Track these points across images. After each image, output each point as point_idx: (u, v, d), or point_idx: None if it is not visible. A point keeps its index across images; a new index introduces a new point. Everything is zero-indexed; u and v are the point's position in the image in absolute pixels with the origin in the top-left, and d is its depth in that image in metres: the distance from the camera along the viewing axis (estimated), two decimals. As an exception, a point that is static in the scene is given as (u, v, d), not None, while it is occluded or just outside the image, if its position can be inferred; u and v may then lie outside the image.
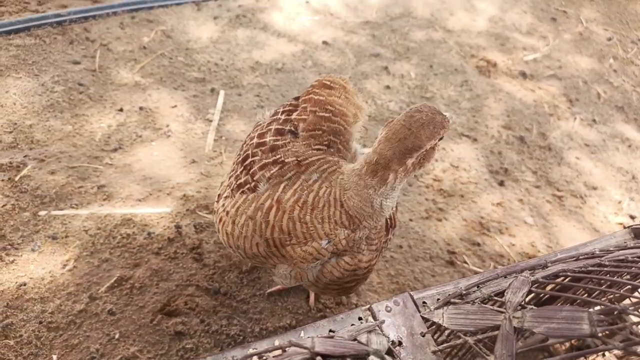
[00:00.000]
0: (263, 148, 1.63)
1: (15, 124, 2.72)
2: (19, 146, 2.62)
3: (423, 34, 4.21)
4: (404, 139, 1.36)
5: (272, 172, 1.56)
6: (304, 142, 1.62)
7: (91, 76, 3.12)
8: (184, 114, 3.02)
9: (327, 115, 1.68)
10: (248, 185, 1.60)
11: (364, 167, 1.41)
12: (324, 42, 3.87)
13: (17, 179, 2.44)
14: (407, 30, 4.20)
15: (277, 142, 1.62)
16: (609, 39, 4.69)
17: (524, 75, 3.99)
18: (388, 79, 3.66)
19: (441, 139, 1.41)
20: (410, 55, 3.93)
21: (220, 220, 1.66)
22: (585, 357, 2.14)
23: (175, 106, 3.06)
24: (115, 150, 2.71)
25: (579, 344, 2.18)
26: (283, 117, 1.72)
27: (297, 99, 1.84)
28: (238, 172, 1.67)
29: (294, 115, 1.71)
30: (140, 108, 2.98)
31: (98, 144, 2.73)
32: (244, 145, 1.75)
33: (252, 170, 1.60)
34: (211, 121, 3.02)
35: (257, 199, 1.55)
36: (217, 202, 1.77)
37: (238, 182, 1.64)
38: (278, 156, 1.58)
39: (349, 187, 1.45)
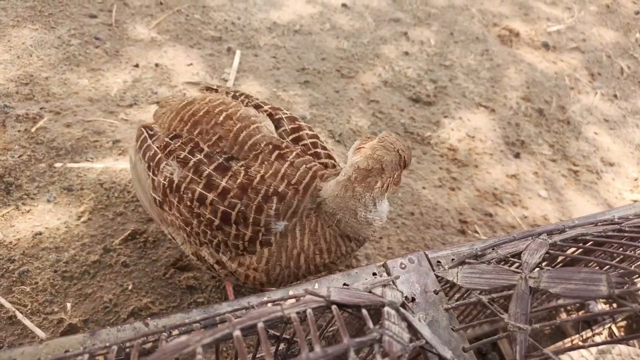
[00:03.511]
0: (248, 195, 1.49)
1: (32, 75, 2.72)
2: (35, 98, 2.62)
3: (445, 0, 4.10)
4: (400, 149, 1.43)
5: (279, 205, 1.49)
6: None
7: (107, 30, 3.10)
8: (200, 73, 2.99)
9: None
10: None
11: (354, 174, 1.42)
12: (343, 5, 3.79)
13: (33, 130, 2.45)
14: (428, -5, 4.10)
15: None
16: (637, 13, 4.54)
17: (546, 46, 3.89)
18: (407, 45, 3.59)
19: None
20: (431, 22, 3.83)
21: (247, 277, 1.59)
22: (592, 330, 2.15)
23: (191, 64, 3.03)
24: (130, 106, 2.71)
25: (587, 316, 2.19)
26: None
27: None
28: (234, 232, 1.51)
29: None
30: (156, 65, 2.96)
31: (114, 99, 2.72)
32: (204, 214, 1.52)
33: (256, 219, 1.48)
34: (227, 81, 2.99)
35: (286, 246, 1.52)
36: (221, 266, 1.62)
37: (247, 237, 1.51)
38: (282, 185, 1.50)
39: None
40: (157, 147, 1.61)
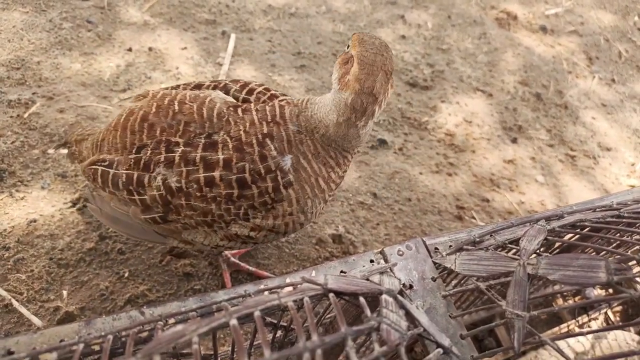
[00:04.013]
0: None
1: (23, 60, 2.67)
2: (27, 83, 2.58)
3: (442, -17, 4.05)
4: (382, 65, 1.37)
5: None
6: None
7: (100, 14, 3.04)
8: (194, 57, 2.95)
9: None
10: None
11: (352, 115, 1.41)
12: (339, -12, 3.74)
13: (25, 115, 2.42)
14: (425, -22, 4.04)
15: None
16: (636, -4, 4.50)
17: (544, 29, 3.86)
18: (404, 28, 3.55)
19: None
20: (428, 4, 3.79)
21: (287, 225, 1.63)
22: (588, 315, 2.16)
23: (185, 48, 2.99)
24: (124, 90, 2.67)
25: (585, 303, 2.20)
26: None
27: None
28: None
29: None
30: (150, 49, 2.92)
31: (107, 83, 2.69)
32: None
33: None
34: (222, 65, 2.95)
35: (304, 178, 1.55)
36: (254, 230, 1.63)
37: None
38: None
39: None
40: (127, 169, 1.54)
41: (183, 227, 1.60)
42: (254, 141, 1.47)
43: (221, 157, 1.46)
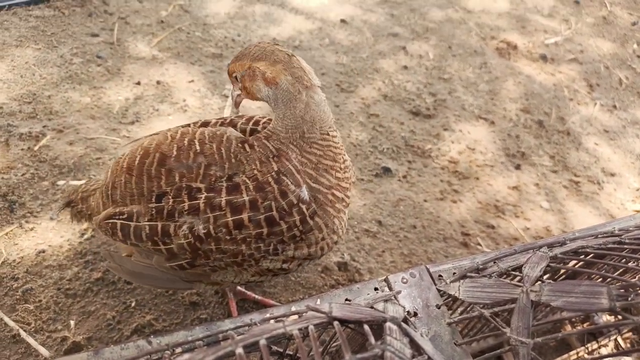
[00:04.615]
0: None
1: (35, 94, 2.75)
2: (38, 116, 2.64)
3: (442, 14, 4.14)
4: (265, 47, 1.50)
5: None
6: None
7: (109, 49, 3.13)
8: (201, 89, 3.02)
9: None
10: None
11: (301, 83, 1.47)
12: (342, 20, 3.83)
13: (36, 148, 2.47)
14: (426, 9, 4.14)
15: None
16: (634, 24, 4.57)
17: (544, 58, 3.92)
18: (406, 59, 3.62)
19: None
20: (429, 36, 3.87)
21: (322, 249, 1.63)
22: (597, 342, 2.14)
23: (192, 81, 3.06)
24: (132, 123, 2.73)
25: (591, 329, 2.18)
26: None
27: None
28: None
29: None
30: (158, 82, 2.99)
31: (115, 116, 2.75)
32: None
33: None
34: (227, 97, 3.02)
35: (323, 200, 1.56)
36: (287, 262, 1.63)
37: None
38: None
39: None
40: (149, 220, 1.51)
41: (212, 269, 1.59)
42: (271, 179, 1.48)
43: (246, 198, 1.45)
